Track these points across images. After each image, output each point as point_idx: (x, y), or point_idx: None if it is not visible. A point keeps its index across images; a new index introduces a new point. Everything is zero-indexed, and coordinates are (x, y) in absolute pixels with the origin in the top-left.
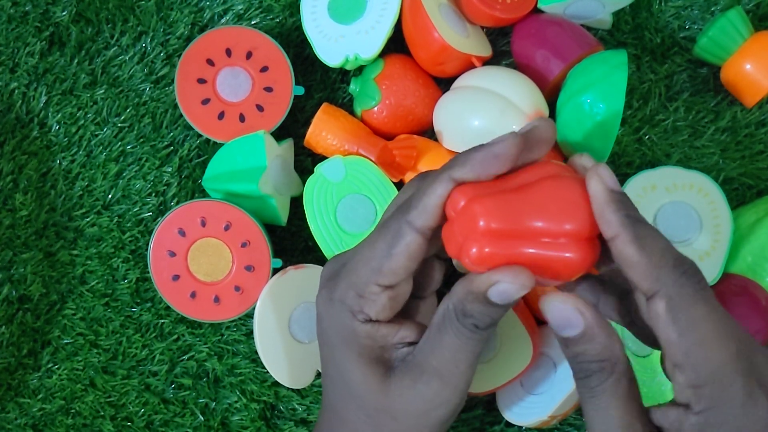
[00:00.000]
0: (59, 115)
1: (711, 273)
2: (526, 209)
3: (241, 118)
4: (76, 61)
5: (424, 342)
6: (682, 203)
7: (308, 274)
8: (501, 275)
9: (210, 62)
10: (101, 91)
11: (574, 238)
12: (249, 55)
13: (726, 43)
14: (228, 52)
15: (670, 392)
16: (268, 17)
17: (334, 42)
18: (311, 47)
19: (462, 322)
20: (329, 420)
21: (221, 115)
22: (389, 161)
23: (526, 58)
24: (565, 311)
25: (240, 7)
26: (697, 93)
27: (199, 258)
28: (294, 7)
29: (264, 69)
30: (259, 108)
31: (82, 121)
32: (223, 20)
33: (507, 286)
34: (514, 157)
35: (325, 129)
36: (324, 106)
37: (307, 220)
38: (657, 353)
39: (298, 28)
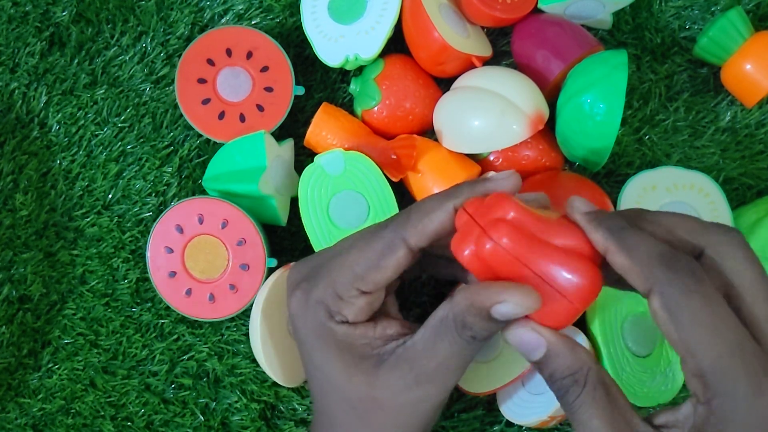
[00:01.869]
0: (59, 115)
1: None
2: (546, 228)
3: (242, 118)
4: (76, 61)
5: (417, 341)
6: (683, 203)
7: None
8: (508, 294)
9: (210, 62)
10: (101, 91)
11: (583, 259)
12: (249, 55)
13: (726, 43)
14: (228, 52)
15: (670, 391)
16: (269, 17)
17: (334, 42)
18: (311, 47)
19: (460, 334)
20: (319, 419)
21: (221, 115)
22: (389, 161)
23: (526, 58)
24: (525, 335)
25: (240, 7)
26: (697, 93)
27: (195, 255)
28: (294, 7)
29: (264, 69)
30: (260, 108)
31: (82, 121)
32: (223, 20)
33: (511, 307)
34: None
35: (325, 129)
36: (324, 105)
37: (300, 208)
38: (656, 353)
39: (298, 28)
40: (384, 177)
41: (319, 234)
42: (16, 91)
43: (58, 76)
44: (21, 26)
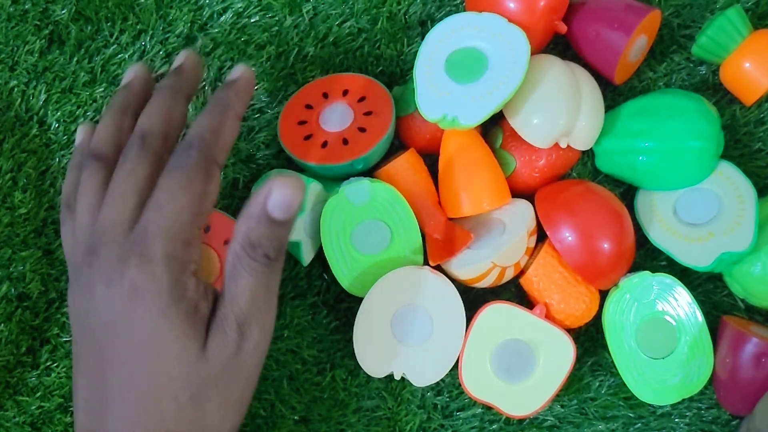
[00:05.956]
0: (59, 113)
1: (708, 257)
2: None
3: (345, 142)
4: (75, 59)
5: (224, 294)
6: (708, 191)
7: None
8: (273, 185)
9: (308, 107)
10: (101, 90)
11: None
12: (345, 92)
13: (725, 41)
14: (324, 95)
15: (676, 391)
16: (267, 15)
17: (438, 96)
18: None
19: (253, 257)
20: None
21: (324, 144)
22: (435, 241)
23: (587, 40)
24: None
25: (239, 5)
26: (696, 91)
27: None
28: (293, 5)
29: (362, 99)
30: (362, 130)
31: (81, 119)
32: (222, 18)
33: (280, 192)
34: None
35: (398, 175)
36: (410, 152)
37: (321, 237)
38: (673, 356)
39: (297, 26)
40: (410, 208)
41: (341, 261)
42: (15, 89)
43: (58, 74)
44: (20, 24)
